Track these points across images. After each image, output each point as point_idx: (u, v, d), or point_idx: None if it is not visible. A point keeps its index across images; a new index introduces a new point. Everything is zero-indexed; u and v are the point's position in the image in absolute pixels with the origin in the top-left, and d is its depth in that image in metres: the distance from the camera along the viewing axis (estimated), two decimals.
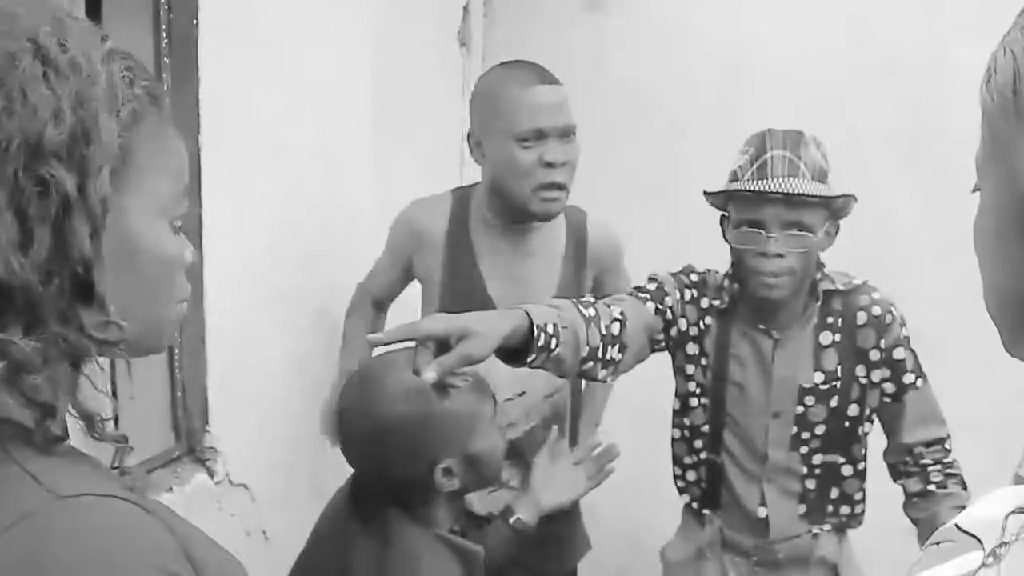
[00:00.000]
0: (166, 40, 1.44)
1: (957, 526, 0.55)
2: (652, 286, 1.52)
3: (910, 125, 2.41)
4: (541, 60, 1.63)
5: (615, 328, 1.37)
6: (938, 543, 0.56)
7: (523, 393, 1.68)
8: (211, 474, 1.62)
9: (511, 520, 1.44)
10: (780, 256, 1.37)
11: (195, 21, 1.45)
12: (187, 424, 1.60)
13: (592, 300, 1.41)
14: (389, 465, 1.19)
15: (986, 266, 0.54)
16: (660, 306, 1.49)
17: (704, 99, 2.52)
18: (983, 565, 0.50)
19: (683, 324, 1.52)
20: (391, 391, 1.17)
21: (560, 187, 1.55)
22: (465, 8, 2.49)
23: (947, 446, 1.50)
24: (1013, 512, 0.51)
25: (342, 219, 1.94)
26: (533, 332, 1.22)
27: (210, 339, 1.57)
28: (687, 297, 1.52)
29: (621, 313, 1.40)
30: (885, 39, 2.40)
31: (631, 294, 1.52)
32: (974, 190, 0.55)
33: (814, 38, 2.47)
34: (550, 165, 1.52)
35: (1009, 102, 0.47)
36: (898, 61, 2.41)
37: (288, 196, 1.75)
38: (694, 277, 1.54)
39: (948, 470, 1.49)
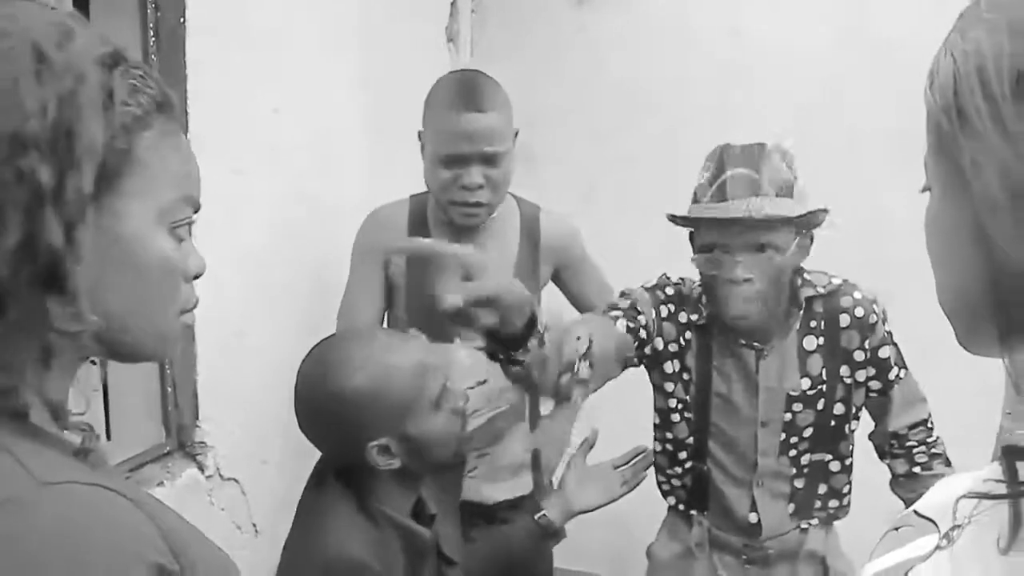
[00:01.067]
0: (154, 39, 1.46)
1: (915, 511, 0.57)
2: (625, 303, 1.47)
3: (910, 125, 2.38)
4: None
5: (582, 346, 1.29)
6: (897, 528, 0.57)
7: (484, 381, 1.71)
8: (202, 469, 1.63)
9: (537, 516, 1.45)
10: (748, 280, 1.32)
11: (182, 20, 1.47)
12: (178, 419, 1.61)
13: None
14: (326, 438, 1.23)
15: (937, 264, 0.56)
16: (632, 324, 1.44)
17: (703, 99, 2.52)
18: (937, 547, 0.51)
19: (660, 343, 1.49)
20: (330, 366, 1.20)
21: (477, 205, 1.60)
22: (453, 5, 2.51)
23: (929, 425, 1.51)
24: (963, 496, 0.52)
25: (332, 216, 1.96)
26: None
27: (200, 335, 1.59)
28: (664, 314, 1.48)
29: (588, 333, 1.31)
30: (885, 38, 2.39)
31: (604, 312, 1.47)
32: (923, 190, 0.56)
33: (814, 38, 2.47)
34: (466, 188, 1.58)
35: (951, 102, 0.49)
36: (898, 60, 2.39)
37: (277, 194, 1.77)
38: (670, 291, 1.50)
39: (932, 450, 1.50)
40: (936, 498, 0.56)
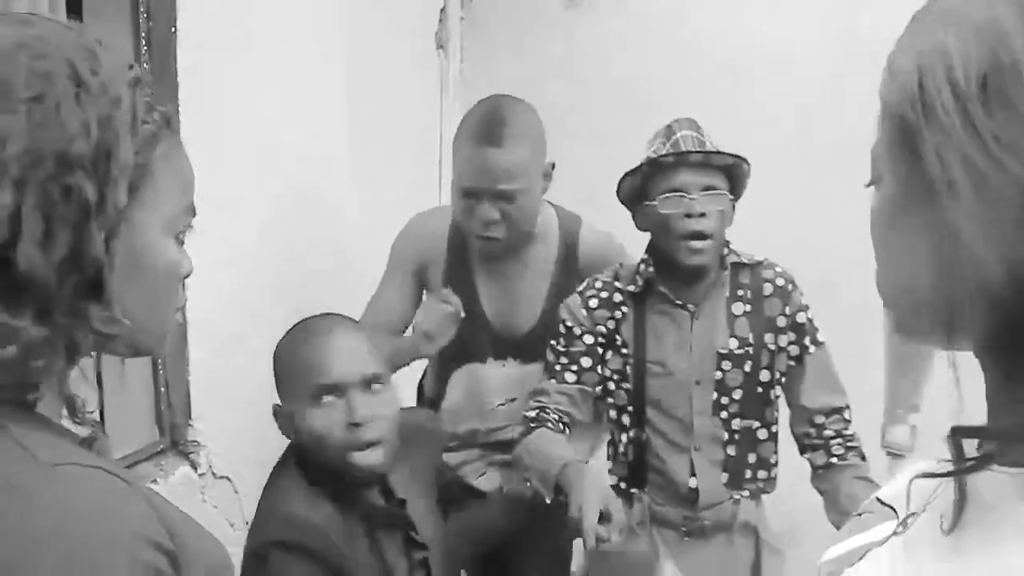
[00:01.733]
0: (146, 47, 1.49)
1: (878, 499, 0.59)
2: (564, 331, 1.61)
3: None
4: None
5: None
6: (860, 514, 0.60)
7: (514, 399, 1.74)
8: (195, 467, 1.66)
9: (506, 489, 1.51)
10: (703, 216, 1.49)
11: (173, 29, 1.50)
12: (171, 419, 1.64)
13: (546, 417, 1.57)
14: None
15: (883, 256, 0.57)
16: (576, 366, 1.59)
17: (703, 99, 2.52)
18: (894, 533, 0.54)
19: (601, 329, 1.61)
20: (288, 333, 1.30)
21: (493, 239, 1.63)
22: (442, 11, 2.52)
23: (846, 416, 1.60)
24: (915, 477, 0.54)
25: (324, 217, 1.98)
26: None
27: (192, 335, 1.62)
28: (593, 305, 1.61)
29: (561, 418, 1.58)
30: (885, 38, 2.35)
31: (550, 363, 1.62)
32: (871, 183, 0.57)
33: (814, 38, 2.46)
34: (481, 221, 1.61)
35: (915, 97, 0.50)
36: None
37: (270, 196, 1.79)
38: (597, 284, 1.64)
39: (849, 443, 1.59)
40: (897, 486, 0.58)
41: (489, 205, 1.59)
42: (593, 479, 1.38)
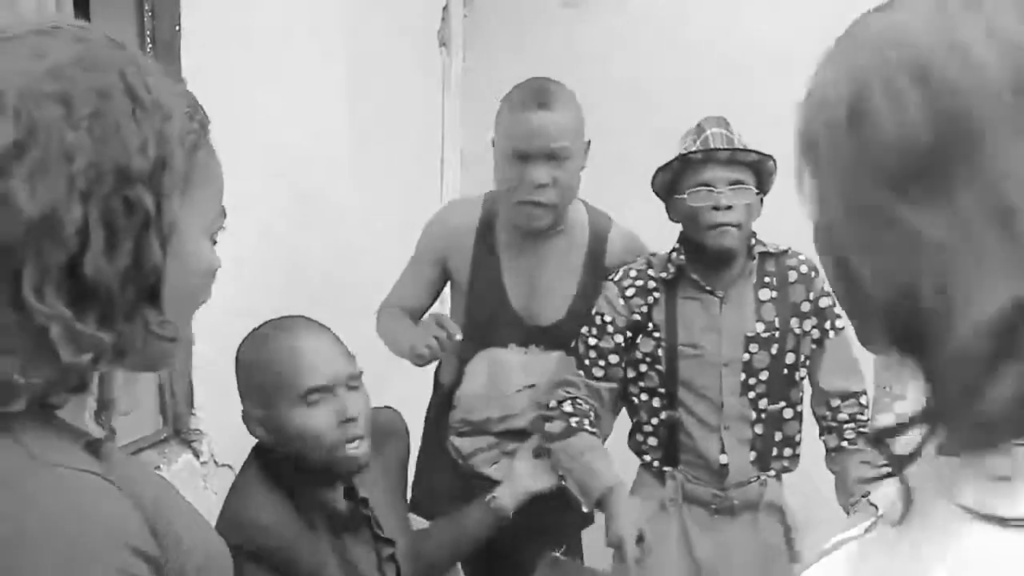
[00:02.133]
0: (151, 45, 1.52)
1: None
2: (598, 324, 1.68)
3: None
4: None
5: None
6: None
7: (532, 386, 1.77)
8: (197, 455, 1.71)
9: (488, 499, 1.56)
10: (729, 208, 1.57)
11: (178, 27, 1.53)
12: (174, 408, 1.69)
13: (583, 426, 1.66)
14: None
15: (828, 274, 0.60)
16: (604, 361, 1.68)
17: (703, 99, 2.53)
18: (866, 530, 0.57)
19: (636, 318, 1.67)
20: (247, 339, 1.33)
21: (541, 205, 1.63)
22: (445, 9, 2.54)
23: (862, 402, 1.68)
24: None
25: (325, 216, 2.01)
26: None
27: (195, 327, 1.65)
28: (629, 294, 1.69)
29: (596, 413, 1.69)
30: None
31: (580, 355, 1.70)
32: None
33: (814, 38, 2.46)
34: (532, 185, 1.61)
35: (802, 130, 0.55)
36: None
37: (274, 193, 1.82)
38: (633, 273, 1.70)
39: (861, 428, 1.67)
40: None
41: (541, 167, 1.61)
42: (632, 505, 1.54)
